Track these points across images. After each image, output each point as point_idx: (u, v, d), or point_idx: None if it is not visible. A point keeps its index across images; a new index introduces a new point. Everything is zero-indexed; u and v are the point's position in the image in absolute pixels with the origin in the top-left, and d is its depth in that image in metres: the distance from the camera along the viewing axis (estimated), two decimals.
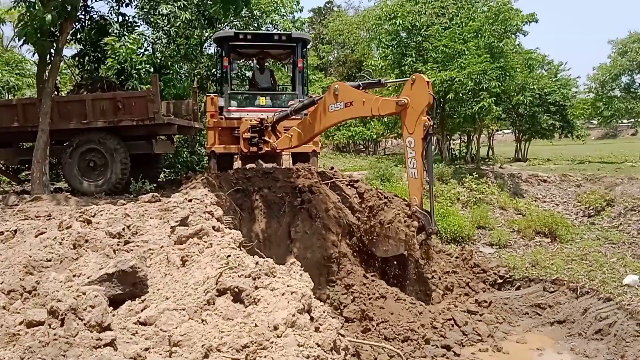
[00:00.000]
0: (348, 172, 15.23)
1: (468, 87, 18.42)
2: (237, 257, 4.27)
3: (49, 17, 8.76)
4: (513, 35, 21.69)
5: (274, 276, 3.92)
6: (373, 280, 9.30)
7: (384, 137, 30.46)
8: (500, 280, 11.27)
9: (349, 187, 11.22)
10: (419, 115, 8.96)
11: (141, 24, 16.29)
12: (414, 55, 21.41)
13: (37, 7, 8.82)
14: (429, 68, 19.99)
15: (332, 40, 39.88)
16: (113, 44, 13.19)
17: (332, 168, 12.59)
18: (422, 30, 21.29)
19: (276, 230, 9.85)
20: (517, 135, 25.78)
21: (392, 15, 21.53)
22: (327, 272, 9.28)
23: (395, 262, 9.92)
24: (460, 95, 19.06)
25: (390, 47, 22.63)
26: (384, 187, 16.38)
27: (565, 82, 24.16)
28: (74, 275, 4.40)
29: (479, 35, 20.13)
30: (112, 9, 15.42)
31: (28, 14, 9.29)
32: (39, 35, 9.41)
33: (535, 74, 23.32)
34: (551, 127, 23.28)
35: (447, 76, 18.60)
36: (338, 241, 9.55)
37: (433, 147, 9.24)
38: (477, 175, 17.32)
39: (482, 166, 20.61)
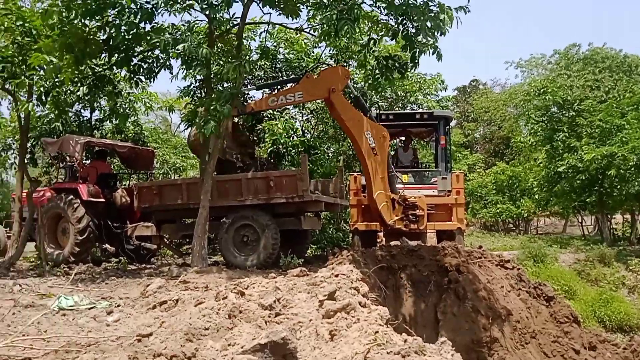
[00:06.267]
0: (497, 252, 14.56)
1: (632, 163, 17.09)
2: (385, 334, 4.21)
3: (226, 110, 9.62)
4: None
5: (424, 355, 3.77)
6: None
7: (536, 215, 28.84)
8: None
9: (499, 267, 10.67)
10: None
11: (291, 108, 17.39)
12: (566, 130, 20.44)
13: (214, 101, 9.70)
14: (583, 143, 18.95)
15: (477, 117, 39.40)
16: (272, 128, 14.19)
17: (480, 247, 12.13)
18: (575, 104, 20.37)
19: (422, 309, 9.56)
20: None
21: (542, 90, 20.91)
22: (477, 358, 8.75)
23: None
24: (623, 171, 17.70)
25: (540, 123, 21.84)
26: (537, 269, 15.46)
27: None
28: (229, 344, 4.59)
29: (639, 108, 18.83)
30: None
31: (204, 106, 10.20)
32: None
33: None
34: None
35: (607, 152, 17.45)
36: (489, 325, 9.02)
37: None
38: None
39: None
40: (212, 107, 9.57)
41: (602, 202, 20.31)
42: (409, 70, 11.45)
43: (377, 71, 11.90)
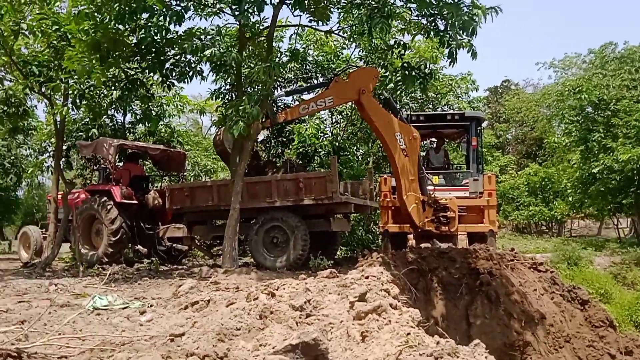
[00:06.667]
0: (530, 255, 14.32)
1: None
2: (417, 336, 4.17)
3: (255, 111, 9.66)
4: None
5: (457, 357, 3.73)
6: None
7: (570, 217, 28.26)
8: None
9: (531, 270, 10.49)
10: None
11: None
12: (601, 130, 19.99)
13: (244, 103, 9.76)
14: (619, 144, 18.52)
15: (509, 118, 38.83)
16: (300, 131, 14.23)
17: (512, 249, 11.95)
18: (611, 104, 19.93)
19: (452, 312, 9.46)
20: None
21: (577, 89, 20.51)
22: None
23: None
24: None
25: (575, 123, 21.41)
26: (571, 272, 15.15)
27: None
28: (260, 345, 4.60)
29: None
30: (296, 99, 16.75)
31: (233, 108, 10.28)
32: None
33: None
34: None
35: None
36: (522, 328, 8.87)
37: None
38: None
39: None
40: (241, 108, 9.62)
41: (639, 203, 19.83)
42: (444, 67, 11.33)
43: (398, 76, 11.78)
